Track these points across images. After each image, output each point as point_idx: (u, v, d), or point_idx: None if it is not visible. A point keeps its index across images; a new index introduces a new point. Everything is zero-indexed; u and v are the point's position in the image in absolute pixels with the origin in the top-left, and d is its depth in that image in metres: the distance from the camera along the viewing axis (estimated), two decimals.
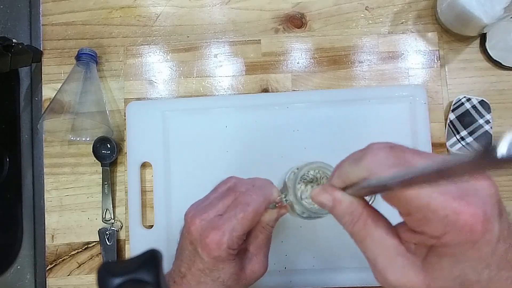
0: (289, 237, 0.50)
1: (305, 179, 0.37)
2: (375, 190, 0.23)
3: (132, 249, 0.51)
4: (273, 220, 0.36)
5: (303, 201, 0.35)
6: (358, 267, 0.50)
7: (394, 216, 0.24)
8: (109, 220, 0.54)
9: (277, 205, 0.36)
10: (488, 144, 0.12)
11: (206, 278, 0.33)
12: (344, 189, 0.26)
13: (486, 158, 0.12)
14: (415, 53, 0.54)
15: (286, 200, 0.36)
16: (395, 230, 0.24)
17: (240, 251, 0.35)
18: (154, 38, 0.58)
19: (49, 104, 0.52)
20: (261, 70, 0.55)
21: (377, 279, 0.24)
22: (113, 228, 0.53)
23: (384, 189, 0.21)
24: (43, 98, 0.57)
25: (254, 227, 0.36)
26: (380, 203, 0.24)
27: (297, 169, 0.37)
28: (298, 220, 0.50)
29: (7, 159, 0.59)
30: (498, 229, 0.20)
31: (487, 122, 0.52)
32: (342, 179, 0.25)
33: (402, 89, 0.52)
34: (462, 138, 0.52)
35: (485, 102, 0.52)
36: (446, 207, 0.19)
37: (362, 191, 0.24)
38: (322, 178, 0.37)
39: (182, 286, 0.33)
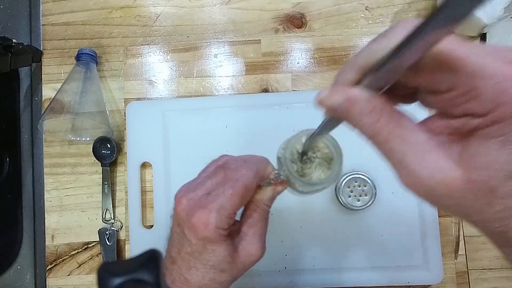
0: (289, 237, 0.50)
1: (299, 152, 0.33)
2: (405, 61, 0.17)
3: (132, 249, 0.51)
4: (268, 198, 0.33)
5: (299, 176, 0.32)
6: (358, 267, 0.50)
7: None
8: (109, 220, 0.54)
9: (272, 182, 0.33)
10: None
11: (196, 262, 0.31)
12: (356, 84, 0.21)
13: None
14: None
15: (280, 176, 0.33)
16: (423, 125, 0.21)
17: (233, 232, 0.33)
18: (154, 38, 0.58)
19: (49, 104, 0.52)
20: (261, 70, 0.55)
21: (406, 183, 0.20)
22: (113, 228, 0.53)
23: (417, 54, 0.17)
24: (43, 98, 0.57)
25: (248, 207, 0.34)
26: None
27: (288, 140, 0.34)
28: (298, 220, 0.51)
29: (7, 159, 0.59)
30: None
31: None
32: (363, 62, 0.20)
33: None
34: None
35: None
36: (500, 72, 0.16)
37: (388, 72, 0.19)
38: (317, 148, 0.34)
39: (173, 272, 0.31)
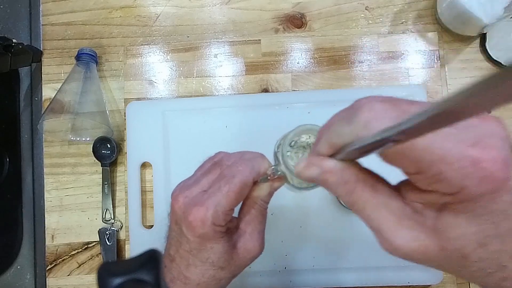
0: (289, 237, 0.50)
1: (297, 145, 0.33)
2: (371, 148, 0.19)
3: (132, 249, 0.51)
4: (266, 194, 0.33)
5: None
6: (358, 267, 0.50)
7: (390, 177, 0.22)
8: (109, 220, 0.54)
9: (269, 178, 0.33)
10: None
11: (194, 259, 0.30)
12: (332, 156, 0.22)
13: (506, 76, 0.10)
14: (415, 53, 0.54)
15: (278, 172, 0.32)
16: (398, 192, 0.22)
17: (231, 229, 0.32)
18: (154, 38, 0.58)
19: (49, 104, 0.52)
20: (261, 70, 0.55)
21: (384, 249, 0.21)
22: (113, 228, 0.53)
23: (383, 144, 0.18)
24: (43, 98, 0.57)
25: (245, 203, 0.33)
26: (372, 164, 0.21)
27: (284, 136, 0.33)
28: (298, 220, 0.51)
29: (7, 159, 0.59)
30: None
31: None
32: (332, 142, 0.21)
33: (402, 89, 0.52)
34: None
35: None
36: (463, 157, 0.17)
37: (355, 153, 0.20)
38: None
39: (172, 270, 0.31)
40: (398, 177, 0.22)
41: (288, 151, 0.33)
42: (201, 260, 0.30)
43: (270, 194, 0.33)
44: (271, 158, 0.35)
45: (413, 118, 0.14)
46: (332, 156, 0.22)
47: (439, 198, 0.19)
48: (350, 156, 0.21)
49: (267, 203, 0.34)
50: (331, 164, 0.22)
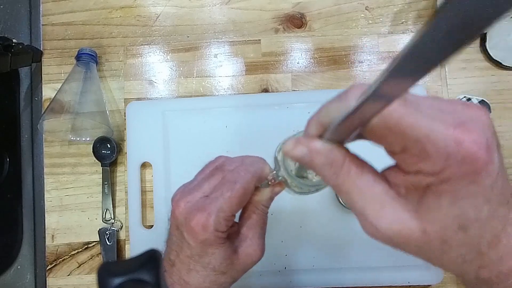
0: (289, 237, 0.50)
1: None
2: (357, 120, 0.19)
3: (132, 249, 0.51)
4: (267, 199, 0.33)
5: (297, 175, 0.32)
6: (358, 267, 0.50)
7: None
8: (109, 220, 0.54)
9: (270, 183, 0.33)
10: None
11: (196, 265, 0.30)
12: (320, 137, 0.22)
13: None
14: None
15: (278, 177, 0.32)
16: (382, 176, 0.22)
17: (232, 234, 0.33)
18: (154, 38, 0.58)
19: (49, 104, 0.52)
20: (261, 70, 0.55)
21: (367, 232, 0.22)
22: (113, 228, 0.53)
23: (367, 115, 0.18)
24: (43, 98, 0.57)
25: (246, 208, 0.33)
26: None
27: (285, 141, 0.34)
28: (298, 220, 0.51)
29: (7, 159, 0.59)
30: (498, 160, 0.18)
31: None
32: (320, 120, 0.22)
33: None
34: None
35: (485, 102, 0.52)
36: (447, 136, 0.17)
37: (342, 131, 0.21)
38: None
39: (172, 275, 0.31)
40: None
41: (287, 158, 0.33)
42: (202, 265, 0.30)
43: (271, 199, 0.33)
44: (270, 160, 0.35)
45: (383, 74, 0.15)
46: (320, 137, 0.22)
47: (423, 179, 0.19)
48: (338, 135, 0.21)
49: (268, 207, 0.34)
50: (318, 144, 0.22)
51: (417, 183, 0.20)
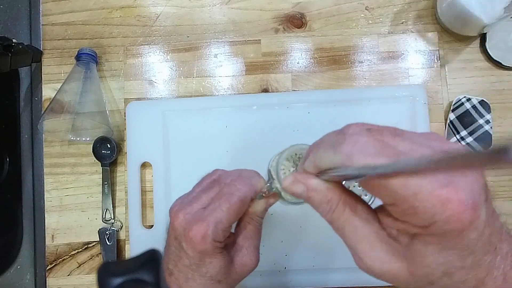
0: (289, 237, 0.50)
1: (291, 161, 0.35)
2: (353, 177, 0.21)
3: (132, 249, 0.51)
4: (262, 210, 0.35)
5: None
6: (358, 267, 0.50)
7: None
8: (109, 220, 0.54)
9: (264, 195, 0.35)
10: (499, 146, 0.12)
11: (193, 274, 0.31)
12: (318, 174, 0.24)
13: (495, 157, 0.12)
14: (415, 53, 0.54)
15: (272, 188, 0.34)
16: (375, 215, 0.23)
17: (228, 244, 0.34)
18: (154, 38, 0.58)
19: (49, 104, 0.52)
20: (261, 70, 0.55)
21: (359, 266, 0.24)
22: (113, 228, 0.53)
23: (363, 177, 0.20)
24: (43, 98, 0.57)
25: (242, 219, 0.35)
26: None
27: (279, 154, 0.35)
28: (298, 220, 0.51)
29: (7, 159, 0.59)
30: (485, 214, 0.19)
31: (487, 122, 0.52)
32: (316, 165, 0.24)
33: (402, 89, 0.52)
34: (462, 138, 0.52)
35: (485, 102, 0.52)
36: (434, 196, 0.18)
37: (338, 178, 0.23)
38: None
39: (170, 283, 0.32)
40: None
41: (282, 169, 0.35)
42: (200, 274, 0.31)
43: (265, 210, 0.35)
44: (264, 170, 0.37)
45: (387, 166, 0.17)
46: (318, 174, 0.24)
47: (411, 228, 0.21)
48: (333, 179, 0.23)
49: (263, 218, 0.36)
50: (315, 182, 0.24)
51: (406, 230, 0.21)
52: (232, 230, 0.35)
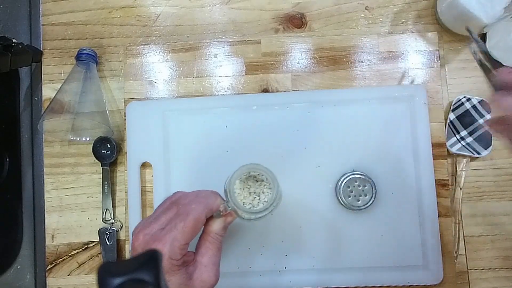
0: (289, 237, 0.50)
1: (243, 181, 0.39)
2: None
3: None
4: (220, 228, 0.37)
5: (244, 205, 0.38)
6: (358, 267, 0.50)
7: None
8: (109, 220, 0.54)
9: (221, 213, 0.37)
10: None
11: None
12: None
13: None
14: (415, 53, 0.54)
15: (228, 207, 0.37)
16: None
17: (187, 261, 0.35)
18: (154, 38, 0.58)
19: (49, 104, 0.52)
20: (261, 70, 0.55)
21: None
22: (113, 228, 0.53)
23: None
24: (43, 98, 0.57)
25: (202, 237, 0.37)
26: None
27: (231, 175, 0.38)
28: (298, 220, 0.51)
29: (7, 159, 0.59)
30: None
31: None
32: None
33: (402, 89, 0.52)
34: (462, 138, 0.52)
35: (485, 102, 0.52)
36: None
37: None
38: (259, 175, 0.40)
39: None
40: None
41: (235, 190, 0.39)
42: None
43: (224, 228, 0.38)
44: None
45: None
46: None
47: None
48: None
49: (222, 236, 0.37)
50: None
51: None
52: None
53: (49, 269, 0.54)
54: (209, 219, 0.37)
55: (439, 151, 0.52)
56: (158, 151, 0.53)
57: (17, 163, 0.57)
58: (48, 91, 0.57)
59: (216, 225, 0.37)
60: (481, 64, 0.39)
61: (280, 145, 0.52)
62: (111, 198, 0.54)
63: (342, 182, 0.49)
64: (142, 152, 0.53)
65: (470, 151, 0.52)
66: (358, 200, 0.49)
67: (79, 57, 0.54)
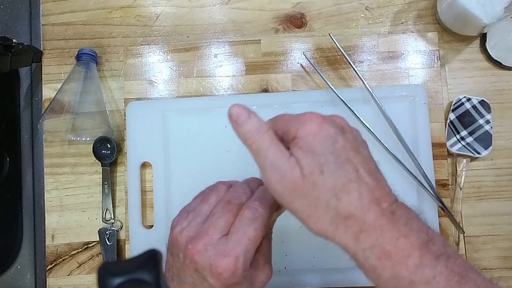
0: (289, 237, 0.50)
1: None
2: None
3: (132, 249, 0.51)
4: (273, 222, 0.34)
5: None
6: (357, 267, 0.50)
7: None
8: (109, 220, 0.54)
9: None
10: None
11: None
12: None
13: None
14: (415, 53, 0.54)
15: None
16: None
17: None
18: (154, 38, 0.58)
19: (49, 104, 0.52)
20: (261, 70, 0.55)
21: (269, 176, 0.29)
22: (113, 228, 0.53)
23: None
24: (43, 98, 0.57)
25: None
26: None
27: None
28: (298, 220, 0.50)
29: (7, 159, 0.59)
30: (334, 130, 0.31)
31: (487, 122, 0.52)
32: (275, 122, 0.33)
33: (402, 89, 0.52)
34: (462, 138, 0.52)
35: (485, 102, 0.52)
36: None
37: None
38: None
39: None
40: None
41: None
42: None
43: (275, 221, 0.35)
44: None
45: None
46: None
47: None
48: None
49: (272, 229, 0.35)
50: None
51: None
52: None
53: (49, 269, 0.54)
54: None
55: (439, 151, 0.52)
56: (158, 151, 0.53)
57: (17, 163, 0.57)
58: (48, 91, 0.57)
59: (271, 220, 0.33)
60: None
61: None
62: (111, 198, 0.54)
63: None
64: (142, 152, 0.53)
65: (470, 151, 0.52)
66: None
67: (79, 57, 0.54)
